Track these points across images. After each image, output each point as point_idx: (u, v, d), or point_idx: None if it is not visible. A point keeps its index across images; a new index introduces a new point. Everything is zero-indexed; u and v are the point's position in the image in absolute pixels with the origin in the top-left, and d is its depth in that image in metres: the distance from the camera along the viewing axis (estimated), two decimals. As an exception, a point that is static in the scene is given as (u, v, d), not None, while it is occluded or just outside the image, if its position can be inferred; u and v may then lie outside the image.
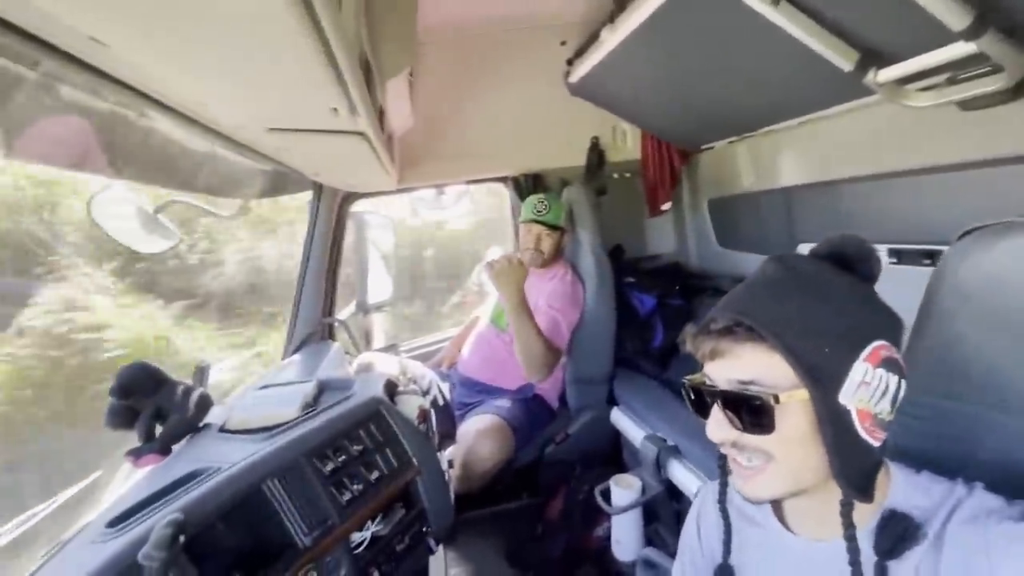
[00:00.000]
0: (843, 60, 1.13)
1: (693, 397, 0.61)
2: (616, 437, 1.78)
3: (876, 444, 0.53)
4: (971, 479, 0.55)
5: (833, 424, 0.51)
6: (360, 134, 1.09)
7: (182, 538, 0.63)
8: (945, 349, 0.63)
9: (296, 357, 1.90)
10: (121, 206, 1.52)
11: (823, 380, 0.51)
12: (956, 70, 1.06)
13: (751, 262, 2.02)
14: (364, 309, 2.36)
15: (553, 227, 1.89)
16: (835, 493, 0.55)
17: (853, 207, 1.50)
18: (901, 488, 0.55)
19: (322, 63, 0.65)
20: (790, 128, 1.67)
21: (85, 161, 1.18)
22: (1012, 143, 1.06)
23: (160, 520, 0.63)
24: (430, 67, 1.99)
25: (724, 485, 0.68)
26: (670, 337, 1.90)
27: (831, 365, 0.52)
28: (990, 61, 0.95)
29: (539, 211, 1.88)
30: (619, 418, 1.66)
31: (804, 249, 1.73)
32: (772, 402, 0.52)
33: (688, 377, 0.61)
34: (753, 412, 0.53)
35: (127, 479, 0.99)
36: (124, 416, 1.00)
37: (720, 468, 0.67)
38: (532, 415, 1.78)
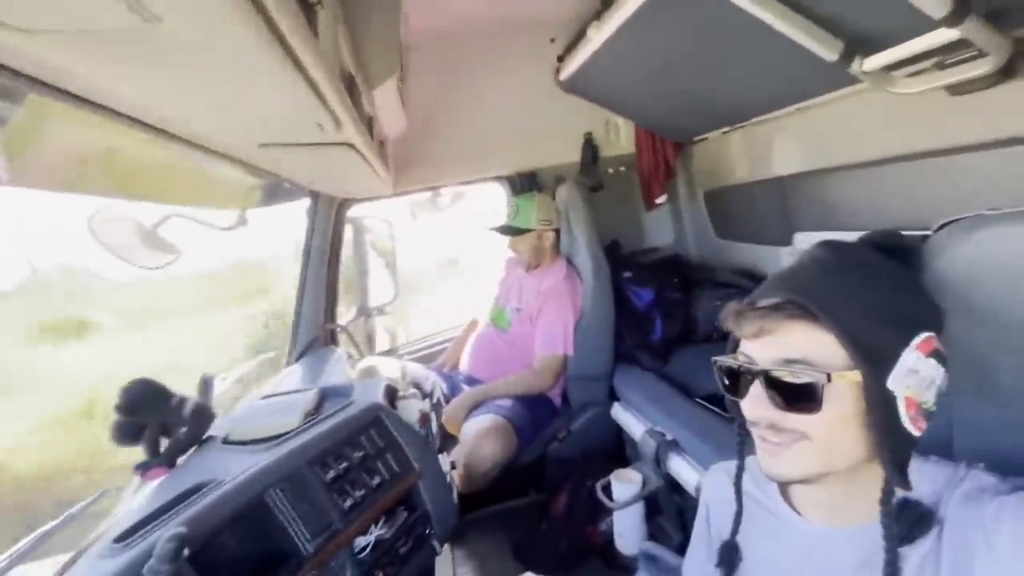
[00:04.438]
0: (827, 51, 1.13)
1: (727, 379, 0.59)
2: (618, 432, 1.79)
3: (917, 434, 0.53)
4: None
5: (881, 408, 0.51)
6: (349, 145, 1.10)
7: (186, 551, 0.65)
8: None
9: (299, 364, 1.92)
10: (120, 223, 1.54)
11: (876, 362, 0.51)
12: (943, 55, 1.05)
13: (749, 252, 2.02)
14: (366, 313, 2.39)
15: (520, 231, 1.91)
16: (858, 482, 0.56)
17: (846, 195, 1.50)
18: (912, 476, 0.55)
19: (301, 86, 0.67)
20: (782, 117, 1.66)
21: (79, 183, 1.20)
22: (1002, 126, 1.06)
23: (164, 534, 0.65)
24: (420, 70, 1.99)
25: (740, 467, 0.68)
26: (669, 330, 1.91)
27: (884, 348, 0.51)
28: (974, 46, 0.95)
29: (508, 217, 1.94)
30: (620, 413, 1.68)
31: (801, 238, 1.73)
32: (824, 381, 0.51)
33: (719, 357, 0.60)
34: (801, 391, 0.52)
35: (136, 492, 1.02)
36: (130, 432, 1.02)
37: (738, 449, 0.67)
38: (535, 413, 1.80)
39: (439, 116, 2.12)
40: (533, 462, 1.81)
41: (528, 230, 1.91)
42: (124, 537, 0.72)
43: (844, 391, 0.51)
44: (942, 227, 0.62)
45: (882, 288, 0.54)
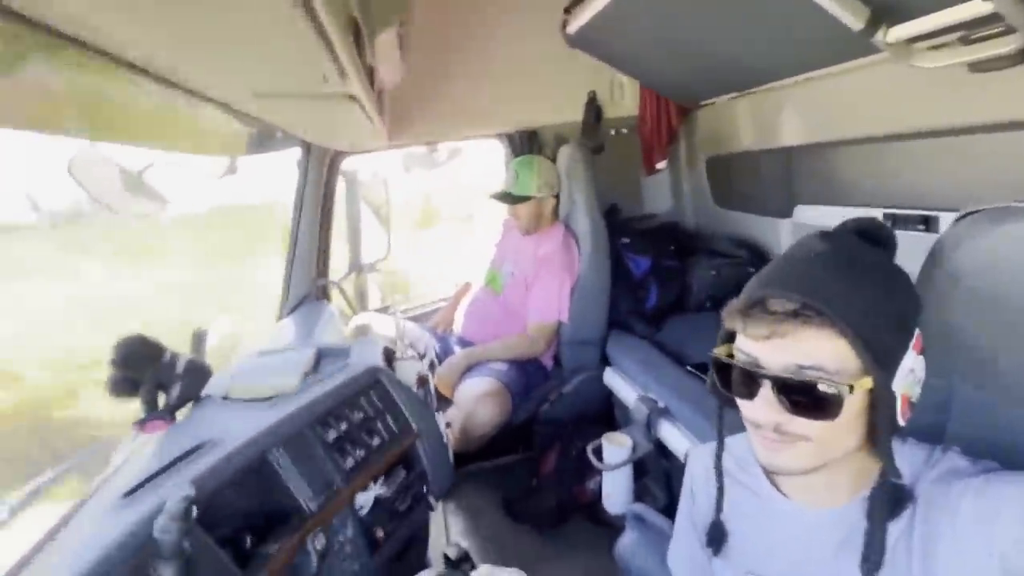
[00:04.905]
0: (853, 17, 1.09)
1: (725, 374, 0.57)
2: (608, 396, 1.83)
3: (903, 425, 0.54)
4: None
5: (887, 410, 0.52)
6: (350, 96, 1.05)
7: (195, 510, 0.66)
8: (931, 326, 0.64)
9: (291, 319, 1.91)
10: (103, 167, 1.47)
11: (885, 368, 0.51)
12: (968, 30, 1.02)
13: (748, 222, 2.02)
14: (358, 269, 2.36)
15: (520, 198, 1.87)
16: (844, 467, 0.57)
17: (853, 169, 1.48)
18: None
19: (311, 33, 0.62)
20: (793, 85, 1.62)
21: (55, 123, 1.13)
22: (1019, 107, 1.04)
23: (173, 493, 0.65)
24: (421, 19, 1.88)
25: (720, 447, 0.69)
26: (663, 298, 1.92)
27: (892, 353, 0.52)
28: (1004, 21, 0.92)
29: (508, 184, 1.89)
30: (612, 378, 1.71)
31: (801, 211, 1.73)
32: (847, 392, 0.50)
33: (720, 356, 0.58)
34: (818, 399, 0.51)
35: (133, 446, 1.02)
36: (124, 386, 1.01)
37: (717, 429, 0.68)
38: (528, 376, 1.83)
39: (439, 67, 2.02)
40: (524, 422, 1.86)
41: (528, 198, 1.87)
42: (131, 492, 0.73)
43: (858, 397, 0.52)
44: (964, 216, 0.62)
45: (886, 290, 0.53)
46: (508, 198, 1.88)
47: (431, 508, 1.16)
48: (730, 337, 0.59)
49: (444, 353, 1.96)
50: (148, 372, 1.01)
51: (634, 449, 1.37)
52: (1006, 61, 1.00)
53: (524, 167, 1.88)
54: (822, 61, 1.44)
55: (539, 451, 1.83)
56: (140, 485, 0.74)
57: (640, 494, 1.48)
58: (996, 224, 0.57)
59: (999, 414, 0.59)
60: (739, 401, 0.58)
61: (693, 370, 1.50)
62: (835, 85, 1.47)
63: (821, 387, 0.51)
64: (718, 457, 0.70)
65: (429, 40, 1.92)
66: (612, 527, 1.46)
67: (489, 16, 1.95)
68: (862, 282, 0.52)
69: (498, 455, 1.95)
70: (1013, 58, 0.98)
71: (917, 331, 0.54)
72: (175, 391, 1.02)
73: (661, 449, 1.38)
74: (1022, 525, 0.45)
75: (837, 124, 1.51)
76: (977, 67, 1.06)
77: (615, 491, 1.43)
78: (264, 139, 1.94)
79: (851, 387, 0.50)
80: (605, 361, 1.86)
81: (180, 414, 1.04)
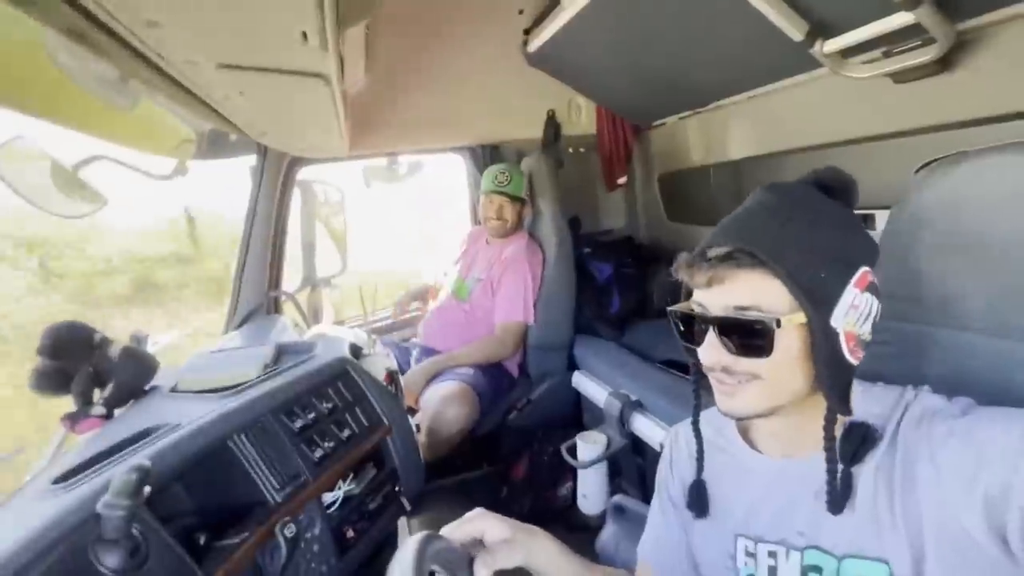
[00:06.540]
0: (794, 30, 1.19)
1: (682, 326, 0.61)
2: (577, 401, 1.81)
3: (856, 363, 0.56)
4: None
5: (825, 345, 0.54)
6: (322, 77, 1.02)
7: (147, 489, 0.57)
8: (901, 274, 0.68)
9: (240, 331, 1.78)
10: (35, 161, 1.35)
11: (820, 303, 0.53)
12: (892, 43, 1.15)
13: (700, 235, 2.10)
14: (312, 283, 2.26)
15: (514, 197, 1.90)
16: (808, 414, 0.59)
17: (799, 176, 1.60)
18: (859, 401, 0.58)
19: None
20: (739, 103, 1.75)
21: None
22: (939, 112, 1.17)
23: (120, 470, 0.56)
24: (385, 29, 1.90)
25: (697, 408, 0.69)
26: (626, 303, 1.96)
27: (827, 288, 0.54)
28: (924, 34, 1.04)
29: (500, 182, 1.90)
30: (581, 380, 1.70)
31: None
32: (774, 326, 0.53)
33: (674, 307, 0.62)
34: (752, 336, 0.54)
35: (59, 447, 0.89)
36: (55, 379, 0.89)
37: (695, 392, 0.69)
38: (495, 382, 1.79)
39: (402, 78, 2.03)
40: (489, 433, 1.80)
41: (521, 199, 1.93)
42: (66, 478, 0.62)
43: (792, 332, 0.54)
44: (924, 166, 0.67)
45: (823, 230, 0.56)
46: (506, 196, 1.91)
47: (404, 510, 1.08)
48: (690, 296, 0.62)
49: (404, 365, 1.89)
50: (84, 363, 0.90)
51: (608, 445, 1.35)
52: (924, 70, 1.13)
53: (515, 171, 1.93)
54: (766, 78, 1.57)
55: (508, 460, 1.77)
56: (76, 471, 0.64)
57: (614, 494, 1.45)
58: (953, 168, 0.62)
59: (976, 349, 0.63)
60: (696, 350, 0.60)
61: (662, 366, 1.52)
62: (778, 100, 1.60)
63: (753, 323, 0.54)
64: (695, 417, 0.70)
65: (391, 52, 1.94)
66: (587, 531, 1.41)
67: (453, 33, 2.00)
68: (796, 224, 0.55)
69: (463, 470, 1.87)
70: (930, 67, 1.11)
71: (863, 269, 0.56)
72: (113, 384, 0.91)
73: (635, 446, 1.37)
74: (1004, 465, 0.46)
75: (781, 136, 1.64)
76: (898, 77, 1.19)
77: (591, 490, 1.39)
78: (217, 143, 1.85)
79: (778, 320, 0.53)
80: (571, 367, 1.85)
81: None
